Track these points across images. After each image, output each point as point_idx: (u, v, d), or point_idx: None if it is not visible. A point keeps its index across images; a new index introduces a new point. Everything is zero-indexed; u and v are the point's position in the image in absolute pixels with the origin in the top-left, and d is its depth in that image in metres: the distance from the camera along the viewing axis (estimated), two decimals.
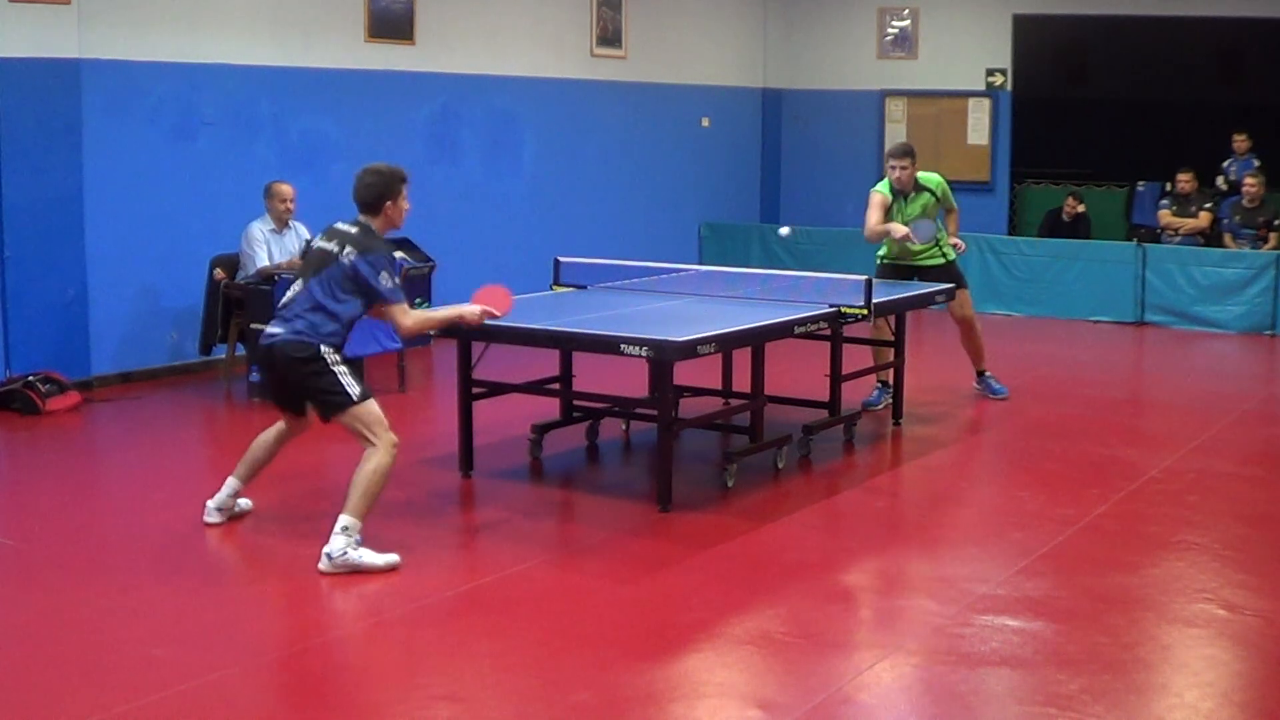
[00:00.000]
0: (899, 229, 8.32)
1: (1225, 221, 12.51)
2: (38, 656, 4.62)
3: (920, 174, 8.60)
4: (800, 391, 7.92)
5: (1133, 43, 15.30)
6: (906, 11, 14.58)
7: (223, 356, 9.21)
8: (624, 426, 7.83)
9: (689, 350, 6.09)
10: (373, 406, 5.57)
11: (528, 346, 6.69)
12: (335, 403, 5.53)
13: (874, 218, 8.42)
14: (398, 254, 10.39)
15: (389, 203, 5.70)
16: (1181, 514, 6.40)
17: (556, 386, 7.56)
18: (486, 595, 5.30)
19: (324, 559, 5.38)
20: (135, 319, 9.28)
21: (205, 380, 9.34)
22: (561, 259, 8.10)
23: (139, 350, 9.32)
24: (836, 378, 7.53)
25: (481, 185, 11.78)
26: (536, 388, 7.49)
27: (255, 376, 8.70)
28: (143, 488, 6.92)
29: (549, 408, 7.70)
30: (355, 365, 5.75)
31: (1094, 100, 17.05)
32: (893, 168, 8.46)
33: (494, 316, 6.00)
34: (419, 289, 10.49)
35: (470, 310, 5.93)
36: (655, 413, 6.71)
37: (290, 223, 9.02)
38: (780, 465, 7.04)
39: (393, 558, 5.45)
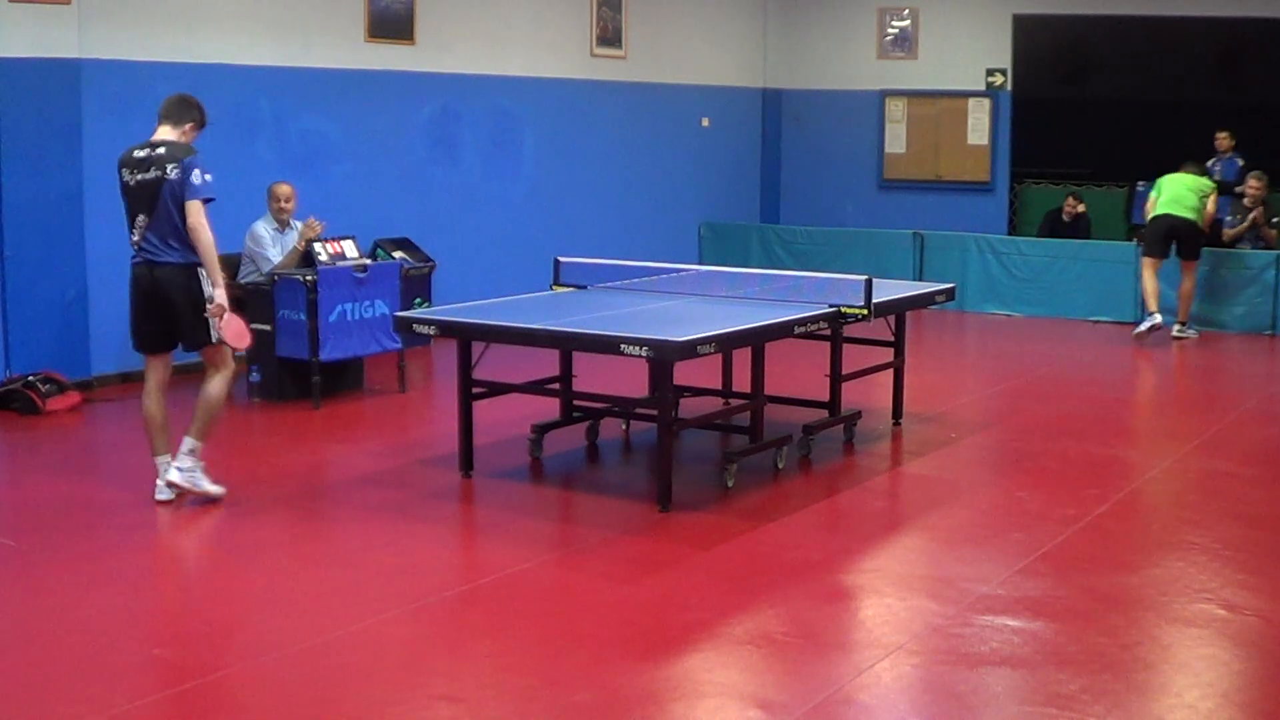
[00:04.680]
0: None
1: (1227, 219, 12.49)
2: (38, 656, 4.62)
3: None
4: (800, 391, 7.92)
5: (1133, 43, 15.27)
6: (906, 11, 14.58)
7: None
8: (624, 426, 7.83)
9: (689, 350, 6.09)
10: None
11: (528, 346, 6.69)
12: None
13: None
14: (397, 254, 10.44)
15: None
16: (1181, 514, 6.40)
17: (556, 386, 7.56)
18: (486, 595, 5.30)
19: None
20: None
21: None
22: (561, 259, 8.10)
23: None
24: (836, 378, 7.54)
25: (481, 185, 11.78)
26: (536, 388, 7.49)
27: (255, 377, 8.71)
28: (143, 488, 6.91)
29: (549, 408, 7.70)
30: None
31: (1094, 100, 17.03)
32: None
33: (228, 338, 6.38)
34: (419, 289, 10.50)
35: (223, 304, 6.37)
36: (655, 413, 6.71)
37: (290, 222, 9.03)
38: (780, 465, 7.04)
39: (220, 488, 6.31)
